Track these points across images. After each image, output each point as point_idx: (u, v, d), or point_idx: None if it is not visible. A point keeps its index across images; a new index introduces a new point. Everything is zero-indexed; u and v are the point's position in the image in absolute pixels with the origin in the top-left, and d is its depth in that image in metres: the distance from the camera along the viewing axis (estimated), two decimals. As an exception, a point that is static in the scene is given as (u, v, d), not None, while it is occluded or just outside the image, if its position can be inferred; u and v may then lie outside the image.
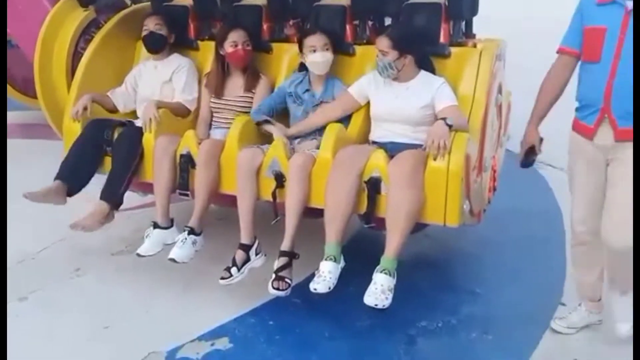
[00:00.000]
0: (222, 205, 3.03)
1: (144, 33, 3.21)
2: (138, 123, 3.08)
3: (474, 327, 2.51)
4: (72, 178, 2.89)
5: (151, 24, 3.19)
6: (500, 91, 2.91)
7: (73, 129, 3.07)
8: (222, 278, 2.55)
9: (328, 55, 2.78)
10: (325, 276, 2.29)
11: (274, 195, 2.60)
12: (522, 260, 3.10)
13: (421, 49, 2.68)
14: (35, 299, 2.66)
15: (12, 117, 6.27)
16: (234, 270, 2.57)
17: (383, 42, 2.58)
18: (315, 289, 2.27)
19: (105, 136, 2.98)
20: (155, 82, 3.20)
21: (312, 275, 2.67)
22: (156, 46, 3.22)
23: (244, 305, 2.62)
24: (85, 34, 3.78)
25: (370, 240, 2.77)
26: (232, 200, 2.80)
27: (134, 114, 3.27)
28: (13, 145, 5.37)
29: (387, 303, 2.19)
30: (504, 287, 2.87)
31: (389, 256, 2.28)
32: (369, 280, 2.25)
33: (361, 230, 2.82)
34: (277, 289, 2.44)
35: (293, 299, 2.55)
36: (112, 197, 2.85)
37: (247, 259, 2.63)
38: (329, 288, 2.28)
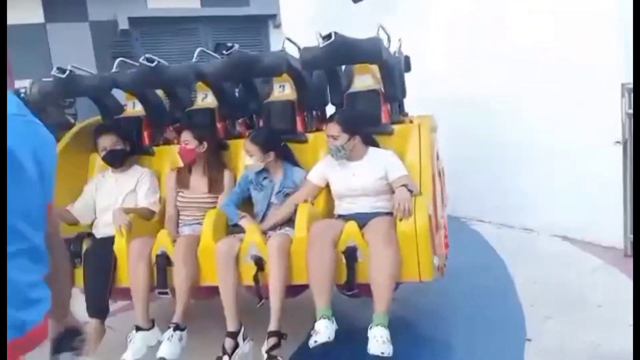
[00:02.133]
0: (200, 298, 3.06)
1: (102, 153, 3.31)
2: (98, 234, 3.13)
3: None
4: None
5: (108, 142, 3.30)
6: (437, 158, 3.28)
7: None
8: None
9: (253, 161, 3.01)
10: (323, 331, 2.41)
11: (255, 278, 2.71)
12: (482, 308, 3.33)
13: (366, 129, 3.01)
14: None
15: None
16: (225, 358, 2.60)
17: (333, 128, 2.89)
18: (315, 341, 2.38)
19: (74, 249, 2.99)
20: (118, 193, 3.28)
21: (297, 351, 2.78)
22: (118, 161, 3.34)
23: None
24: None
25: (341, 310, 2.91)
26: (210, 292, 2.88)
27: (89, 226, 3.31)
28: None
29: (391, 350, 2.35)
30: (474, 334, 3.06)
31: (380, 311, 2.45)
32: (354, 341, 2.37)
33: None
34: None
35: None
36: (100, 312, 2.87)
37: (236, 346, 2.67)
38: (329, 338, 2.40)
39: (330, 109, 3.44)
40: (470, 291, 3.55)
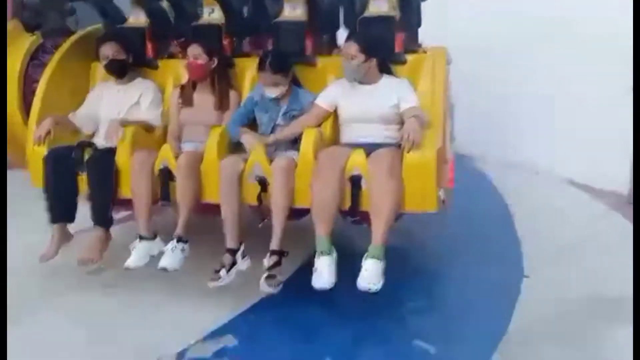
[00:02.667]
0: (202, 214, 3.09)
1: (104, 62, 3.23)
2: (100, 145, 3.11)
3: (454, 307, 2.76)
4: (65, 214, 2.98)
5: (110, 51, 3.21)
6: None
7: (37, 157, 3.04)
8: (212, 280, 2.63)
9: (278, 90, 2.92)
10: (324, 272, 2.44)
11: (259, 199, 2.72)
12: (482, 243, 3.40)
13: (383, 54, 2.93)
14: (22, 323, 2.56)
15: None
16: (222, 272, 2.65)
17: (351, 47, 2.82)
18: (318, 287, 2.41)
19: (75, 157, 2.97)
20: (122, 105, 3.22)
21: (300, 270, 2.84)
22: (121, 72, 3.26)
23: (239, 304, 2.69)
24: (35, 59, 3.72)
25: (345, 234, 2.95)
26: (212, 210, 2.90)
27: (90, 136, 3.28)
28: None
29: (379, 286, 2.38)
30: (471, 265, 3.14)
31: (376, 243, 2.47)
32: (354, 269, 2.43)
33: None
34: (270, 286, 2.56)
35: (286, 294, 2.65)
36: (106, 220, 2.91)
37: (234, 262, 2.72)
38: (331, 284, 2.43)
39: (340, 35, 3.35)
40: (471, 227, 3.62)
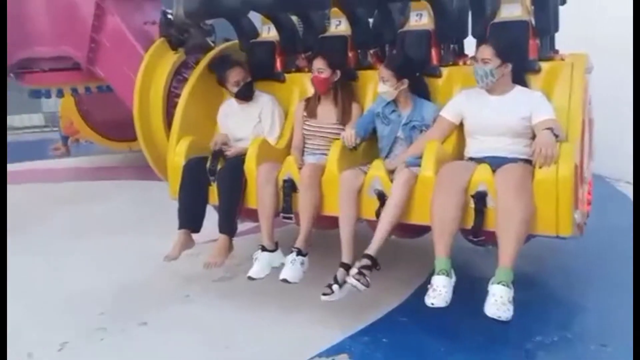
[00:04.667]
0: (322, 229, 3.12)
1: (235, 88, 3.37)
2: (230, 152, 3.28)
3: (591, 340, 2.47)
4: (192, 222, 3.15)
5: (240, 76, 3.36)
6: (589, 103, 2.93)
7: (177, 167, 3.27)
8: (324, 294, 2.62)
9: (387, 88, 2.88)
10: (440, 290, 2.32)
11: (377, 214, 2.67)
12: (621, 271, 3.03)
13: (517, 60, 2.74)
14: (154, 324, 2.79)
15: (95, 160, 6.70)
16: (335, 287, 2.63)
17: (486, 50, 2.68)
18: (432, 304, 2.30)
19: (210, 167, 3.16)
20: (247, 124, 3.37)
21: (413, 295, 2.74)
22: (249, 95, 3.41)
23: (353, 324, 2.67)
24: (178, 74, 4.04)
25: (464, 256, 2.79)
26: (332, 223, 2.91)
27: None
28: (99, 185, 5.76)
29: (509, 315, 2.20)
30: (611, 298, 2.81)
31: (504, 267, 2.29)
32: (474, 294, 2.28)
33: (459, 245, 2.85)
34: (358, 280, 2.51)
35: (400, 318, 2.58)
36: (231, 229, 3.05)
37: None
38: (446, 302, 2.30)
39: (468, 43, 3.18)
40: (607, 253, 3.24)
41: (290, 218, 2.94)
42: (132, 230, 4.13)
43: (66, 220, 4.54)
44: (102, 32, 4.36)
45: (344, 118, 3.14)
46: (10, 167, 6.62)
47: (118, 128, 5.94)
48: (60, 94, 5.01)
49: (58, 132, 6.83)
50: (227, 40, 3.95)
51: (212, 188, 3.15)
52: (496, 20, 2.99)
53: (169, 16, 4.03)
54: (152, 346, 2.58)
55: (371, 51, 3.45)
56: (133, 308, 2.95)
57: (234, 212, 3.05)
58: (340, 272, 2.67)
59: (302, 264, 2.78)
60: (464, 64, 3.09)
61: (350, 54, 3.39)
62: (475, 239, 2.57)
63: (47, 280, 3.40)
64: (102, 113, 5.99)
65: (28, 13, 4.37)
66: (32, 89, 4.88)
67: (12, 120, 9.75)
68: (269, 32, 3.69)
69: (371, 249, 2.58)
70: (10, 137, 9.16)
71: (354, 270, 2.55)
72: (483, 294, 2.28)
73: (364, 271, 2.54)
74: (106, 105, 5.39)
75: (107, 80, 4.66)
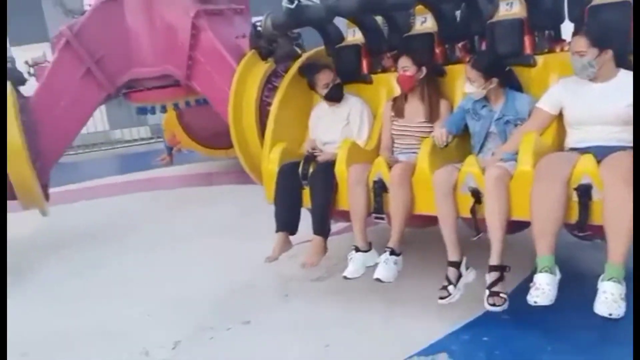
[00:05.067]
0: (415, 227, 3.10)
1: (324, 90, 3.45)
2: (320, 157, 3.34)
3: None
4: (289, 225, 3.26)
5: (329, 78, 3.43)
6: None
7: (271, 174, 3.40)
8: (441, 297, 2.60)
9: (474, 88, 2.81)
10: (544, 288, 2.23)
11: (472, 211, 2.62)
12: None
13: (619, 45, 2.57)
14: (257, 323, 2.93)
15: (196, 168, 7.11)
16: (451, 288, 2.61)
17: (580, 42, 2.54)
18: (535, 302, 2.22)
19: (302, 171, 3.26)
20: (336, 126, 3.43)
21: (516, 291, 2.65)
22: (339, 96, 3.47)
23: (453, 322, 2.64)
24: (268, 83, 4.18)
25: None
26: (424, 221, 2.89)
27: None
28: (201, 191, 6.11)
29: (621, 312, 2.08)
30: None
31: (615, 263, 2.16)
32: (581, 290, 2.15)
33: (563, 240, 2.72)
34: (494, 304, 2.44)
35: (502, 315, 2.50)
36: (324, 230, 3.13)
37: (460, 275, 2.66)
38: (550, 301, 2.22)
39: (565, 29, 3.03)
40: None
41: (382, 218, 2.96)
42: (234, 233, 4.34)
43: (173, 224, 4.87)
44: (197, 49, 4.62)
45: (432, 115, 3.11)
46: (122, 178, 7.25)
47: (216, 137, 6.25)
48: (163, 109, 5.37)
49: (163, 143, 7.32)
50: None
51: (306, 192, 3.24)
52: (594, 2, 2.82)
53: (258, 28, 4.19)
54: (256, 344, 2.71)
55: (459, 45, 3.38)
56: (238, 308, 3.11)
57: (326, 214, 3.12)
58: (451, 271, 2.65)
59: (395, 263, 2.79)
60: (562, 50, 2.94)
61: (437, 50, 3.35)
62: (580, 234, 2.44)
63: (158, 280, 3.66)
64: (201, 124, 6.34)
65: (132, 40, 4.74)
66: (138, 106, 5.28)
67: (122, 134, 10.58)
68: (354, 35, 3.72)
69: (494, 259, 2.50)
70: (122, 149, 9.98)
71: (486, 294, 2.48)
72: (590, 291, 2.17)
73: (495, 289, 2.46)
74: (204, 116, 5.70)
75: (203, 94, 4.92)
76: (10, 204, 4.25)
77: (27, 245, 4.63)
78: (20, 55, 5.43)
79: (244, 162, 4.18)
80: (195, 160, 7.28)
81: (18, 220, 4.61)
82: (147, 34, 4.72)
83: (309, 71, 3.60)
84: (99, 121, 10.00)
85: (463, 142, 3.03)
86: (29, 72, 4.76)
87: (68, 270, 4.00)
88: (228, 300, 3.23)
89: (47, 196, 4.40)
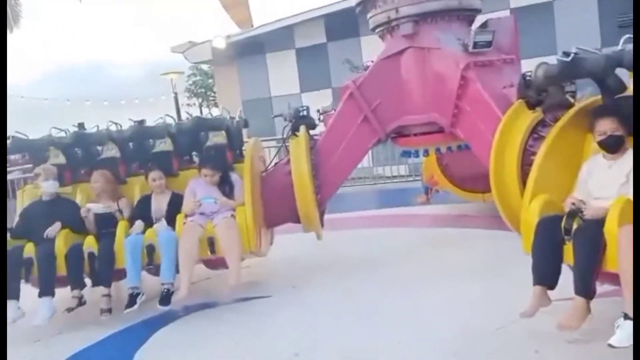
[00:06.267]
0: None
1: (599, 137, 3.28)
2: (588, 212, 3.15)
3: None
4: (548, 279, 3.18)
5: (607, 126, 3.25)
6: None
7: (530, 224, 3.35)
8: None
9: None
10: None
11: None
12: None
13: None
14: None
15: (451, 209, 7.27)
16: None
17: None
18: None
19: (565, 225, 3.12)
20: (611, 183, 3.22)
21: None
22: (615, 147, 3.28)
23: None
24: (534, 133, 4.14)
25: None
26: None
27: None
28: (454, 232, 6.23)
29: None
30: None
31: None
32: None
33: None
34: None
35: None
36: (588, 290, 2.98)
37: None
38: None
39: None
40: None
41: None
42: (484, 278, 4.35)
43: (425, 263, 5.08)
44: (464, 98, 4.81)
45: None
46: (381, 212, 7.83)
47: (473, 181, 6.34)
48: (426, 153, 5.70)
49: (420, 183, 7.69)
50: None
51: (568, 247, 3.12)
52: None
53: (528, 78, 4.19)
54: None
55: None
56: (482, 356, 3.12)
57: (591, 273, 2.95)
58: None
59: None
60: None
61: None
62: None
63: (405, 313, 3.90)
64: (460, 167, 6.49)
65: (404, 90, 5.21)
66: (403, 150, 5.73)
67: (384, 170, 11.36)
68: (636, 86, 3.46)
69: None
70: (382, 185, 10.71)
71: None
72: None
73: None
74: (464, 160, 5.85)
75: (466, 140, 5.08)
76: (294, 226, 5.10)
77: (304, 262, 5.41)
78: (309, 102, 6.44)
79: (502, 209, 4.19)
80: (451, 202, 7.45)
81: (297, 240, 5.44)
82: (418, 85, 5.15)
83: (592, 113, 3.43)
84: (365, 158, 10.95)
85: None
86: (319, 119, 5.60)
87: (330, 289, 4.56)
88: (473, 345, 3.27)
89: (322, 223, 5.10)
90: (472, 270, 4.64)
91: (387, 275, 4.80)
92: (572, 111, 3.72)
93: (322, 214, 5.11)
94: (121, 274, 4.44)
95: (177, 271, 4.34)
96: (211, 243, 4.38)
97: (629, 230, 2.79)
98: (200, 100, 27.41)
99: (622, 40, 3.40)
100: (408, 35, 5.11)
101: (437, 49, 5.01)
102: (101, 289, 4.39)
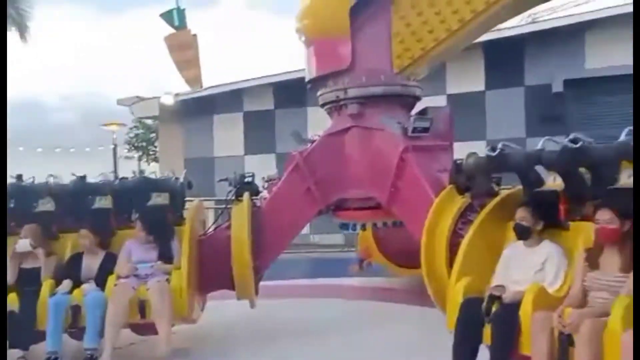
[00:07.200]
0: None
1: (513, 223, 3.62)
2: (507, 300, 3.38)
3: None
4: (466, 358, 3.33)
5: (520, 215, 3.60)
6: None
7: (455, 303, 3.57)
8: None
9: None
10: None
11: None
12: None
13: None
14: None
15: (381, 282, 7.44)
16: None
17: None
18: None
19: (485, 308, 3.35)
20: (529, 269, 3.49)
21: None
22: (522, 235, 3.60)
23: None
24: (462, 217, 4.42)
25: None
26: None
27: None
28: (382, 306, 6.34)
29: None
30: None
31: None
32: None
33: None
34: None
35: None
36: None
37: None
38: None
39: None
40: None
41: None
42: (414, 355, 4.43)
43: (352, 336, 5.07)
44: (401, 178, 5.11)
45: (627, 268, 3.02)
46: (310, 282, 7.87)
47: (406, 256, 6.58)
48: (363, 226, 5.92)
49: (355, 254, 7.87)
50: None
51: (487, 328, 3.30)
52: None
53: (459, 163, 4.53)
54: None
55: None
56: None
57: (505, 355, 3.13)
58: None
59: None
60: None
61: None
62: None
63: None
64: (394, 242, 6.73)
65: (346, 165, 5.48)
66: (341, 222, 5.92)
67: (320, 238, 11.50)
68: (554, 181, 3.83)
69: None
70: (316, 254, 10.79)
71: None
72: None
73: None
74: (398, 236, 6.09)
75: (401, 218, 5.35)
76: (226, 292, 5.06)
77: (236, 330, 5.33)
78: (252, 164, 6.51)
79: (429, 286, 4.38)
80: (382, 275, 7.62)
81: (228, 306, 5.36)
82: (360, 161, 5.43)
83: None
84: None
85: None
86: (263, 186, 5.73)
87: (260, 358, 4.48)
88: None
89: (257, 290, 5.10)
90: (401, 347, 4.71)
91: (317, 345, 4.80)
92: (497, 199, 4.05)
93: (257, 282, 5.11)
94: (42, 336, 4.20)
95: (102, 335, 4.17)
96: (142, 306, 4.27)
97: (542, 316, 3.01)
98: (140, 153, 26.95)
99: (541, 141, 3.78)
100: (354, 114, 5.43)
101: (379, 130, 5.34)
102: (16, 352, 4.13)
